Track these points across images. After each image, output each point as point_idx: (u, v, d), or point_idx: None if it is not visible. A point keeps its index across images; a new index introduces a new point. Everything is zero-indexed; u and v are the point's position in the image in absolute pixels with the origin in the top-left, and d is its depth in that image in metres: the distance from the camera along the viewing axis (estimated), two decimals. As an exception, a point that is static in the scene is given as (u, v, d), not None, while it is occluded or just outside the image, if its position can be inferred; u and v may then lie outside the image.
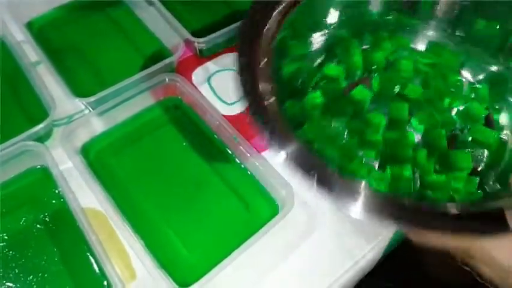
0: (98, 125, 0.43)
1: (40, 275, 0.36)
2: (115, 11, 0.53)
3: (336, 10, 0.41)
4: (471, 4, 0.39)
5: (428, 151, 0.37)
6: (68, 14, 0.53)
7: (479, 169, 0.37)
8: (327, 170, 0.26)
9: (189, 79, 0.49)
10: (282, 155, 0.27)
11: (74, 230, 0.37)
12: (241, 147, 0.41)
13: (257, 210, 0.40)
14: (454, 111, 0.40)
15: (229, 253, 0.34)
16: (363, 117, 0.39)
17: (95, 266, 0.36)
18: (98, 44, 0.50)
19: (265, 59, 0.33)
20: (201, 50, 0.50)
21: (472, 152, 0.37)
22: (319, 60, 0.42)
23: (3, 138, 0.39)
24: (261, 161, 0.40)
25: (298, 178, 0.26)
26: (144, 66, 0.46)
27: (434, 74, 0.41)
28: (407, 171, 0.36)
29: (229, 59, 0.51)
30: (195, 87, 0.48)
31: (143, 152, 0.43)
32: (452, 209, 0.23)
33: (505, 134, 0.39)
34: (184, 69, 0.50)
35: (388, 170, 0.36)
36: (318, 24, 0.41)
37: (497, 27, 0.38)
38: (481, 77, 0.41)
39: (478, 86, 0.40)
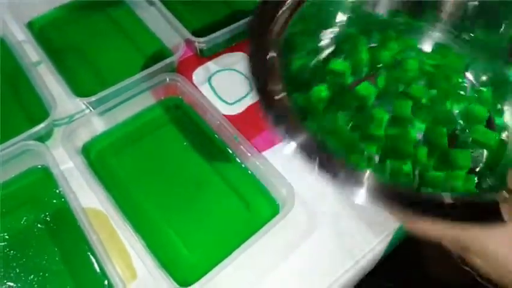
0: (98, 125, 0.43)
1: (41, 274, 0.36)
2: (116, 11, 0.53)
3: (345, 8, 0.42)
4: (476, 7, 0.40)
5: (429, 149, 0.37)
6: (68, 13, 0.53)
7: (477, 169, 0.37)
8: (333, 158, 0.27)
9: (190, 79, 0.49)
10: (292, 146, 0.28)
11: (74, 230, 0.37)
12: (241, 147, 0.41)
13: (258, 209, 0.40)
14: (456, 112, 0.40)
15: (230, 253, 0.34)
16: (366, 112, 0.40)
17: (95, 265, 0.36)
18: (98, 43, 0.50)
19: (274, 54, 0.33)
20: (201, 50, 0.50)
21: (472, 152, 0.38)
22: (326, 55, 0.43)
23: (4, 137, 0.39)
24: (261, 160, 0.40)
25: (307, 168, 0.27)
26: (145, 66, 0.46)
27: (439, 75, 0.42)
28: (407, 167, 0.36)
29: (229, 59, 0.51)
30: (196, 87, 0.48)
31: (144, 151, 0.43)
32: (448, 199, 0.24)
33: (505, 136, 0.39)
34: (185, 69, 0.50)
35: (388, 164, 0.36)
36: (327, 21, 0.42)
37: (501, 30, 0.39)
38: (484, 79, 0.41)
39: (481, 88, 0.41)
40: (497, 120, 0.39)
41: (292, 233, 0.39)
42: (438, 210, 0.24)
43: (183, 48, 0.47)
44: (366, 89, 0.40)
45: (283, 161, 0.41)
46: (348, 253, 0.38)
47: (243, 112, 0.47)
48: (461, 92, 0.41)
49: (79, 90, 0.43)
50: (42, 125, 0.40)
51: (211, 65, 0.51)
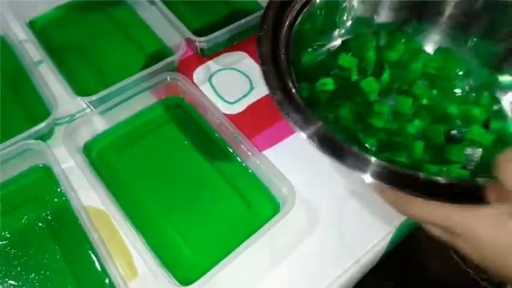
0: (99, 124, 0.43)
1: (42, 273, 0.36)
2: (117, 11, 0.54)
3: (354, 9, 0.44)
4: (479, 12, 0.41)
5: (426, 144, 0.38)
6: (69, 13, 0.53)
7: (471, 166, 0.38)
8: (343, 145, 0.30)
9: (191, 78, 0.49)
10: (304, 135, 0.30)
11: (75, 229, 0.37)
12: (242, 146, 0.41)
13: (258, 208, 0.40)
14: (455, 113, 0.41)
15: (231, 251, 0.34)
16: (368, 106, 0.41)
17: (96, 264, 0.36)
18: (99, 43, 0.51)
19: (284, 49, 0.35)
20: (202, 49, 0.50)
21: (467, 150, 0.38)
22: (334, 50, 0.44)
23: (5, 136, 0.39)
24: (262, 159, 0.40)
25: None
26: (146, 65, 0.46)
27: (440, 77, 0.43)
28: (402, 158, 0.37)
29: (230, 58, 0.51)
30: (197, 86, 0.48)
31: (145, 150, 0.43)
32: (442, 180, 0.27)
33: (500, 136, 0.39)
34: (186, 68, 0.50)
35: (384, 156, 0.37)
36: (336, 20, 0.44)
37: (498, 37, 0.40)
38: (482, 83, 0.42)
39: (481, 91, 0.42)
40: (493, 122, 0.40)
41: (293, 232, 0.39)
42: (432, 190, 0.27)
43: (184, 47, 0.47)
44: (370, 84, 0.41)
45: (283, 160, 0.41)
46: (348, 252, 0.39)
47: (244, 111, 0.47)
48: (461, 94, 0.42)
49: (80, 89, 0.43)
50: (43, 124, 0.40)
51: (211, 64, 0.51)
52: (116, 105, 0.43)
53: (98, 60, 0.49)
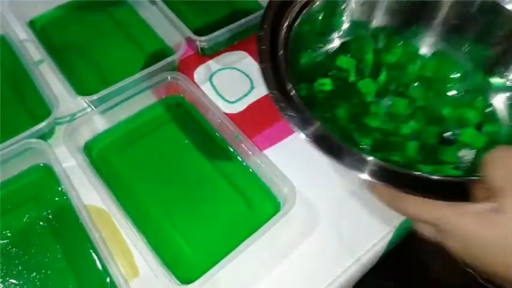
0: (100, 123, 0.43)
1: (43, 272, 0.36)
2: (117, 10, 0.54)
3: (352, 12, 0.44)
4: (475, 16, 0.42)
5: (419, 145, 0.39)
6: (70, 12, 0.53)
7: (463, 166, 0.38)
8: (341, 145, 0.30)
9: (191, 77, 0.49)
10: (303, 136, 0.30)
11: (76, 228, 0.37)
12: (243, 145, 0.41)
13: (259, 207, 0.40)
14: (449, 115, 0.42)
15: (231, 250, 0.34)
16: (365, 107, 0.41)
17: (97, 263, 0.36)
18: (100, 42, 0.51)
19: (283, 50, 0.35)
20: (202, 49, 0.50)
21: (459, 151, 0.39)
22: (332, 52, 0.45)
23: (6, 136, 0.39)
24: (262, 158, 0.40)
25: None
26: (146, 65, 0.46)
27: (436, 80, 0.43)
28: (396, 157, 0.37)
29: (230, 58, 0.51)
30: (197, 85, 0.48)
31: (145, 150, 0.43)
32: (434, 177, 0.29)
33: (493, 138, 0.40)
34: (186, 67, 0.50)
35: (377, 155, 0.37)
36: (335, 22, 0.44)
37: (491, 41, 0.41)
38: (476, 86, 0.43)
39: (475, 94, 0.42)
40: (486, 125, 0.41)
41: (294, 231, 0.39)
42: (425, 187, 0.28)
43: (184, 46, 0.47)
44: (367, 85, 0.42)
45: (284, 159, 0.41)
46: (348, 251, 0.39)
47: (244, 110, 0.47)
48: (456, 97, 0.43)
49: (81, 88, 0.43)
50: (44, 123, 0.40)
51: (212, 64, 0.51)
52: (116, 104, 0.43)
53: (99, 59, 0.49)
